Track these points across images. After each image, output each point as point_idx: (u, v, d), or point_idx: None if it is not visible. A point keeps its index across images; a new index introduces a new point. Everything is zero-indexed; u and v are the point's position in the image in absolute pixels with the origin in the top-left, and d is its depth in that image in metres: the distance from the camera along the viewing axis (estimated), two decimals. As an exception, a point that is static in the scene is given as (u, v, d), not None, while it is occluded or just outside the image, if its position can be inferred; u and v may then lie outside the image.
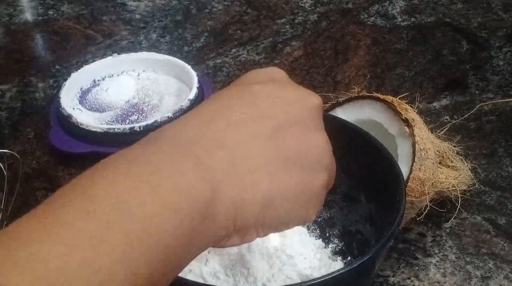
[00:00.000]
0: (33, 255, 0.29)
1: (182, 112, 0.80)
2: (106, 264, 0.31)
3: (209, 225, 0.36)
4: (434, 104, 0.91)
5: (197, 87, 0.86)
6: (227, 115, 0.39)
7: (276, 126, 0.39)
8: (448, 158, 0.74)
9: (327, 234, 0.68)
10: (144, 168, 0.35)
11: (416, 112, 0.72)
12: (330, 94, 0.81)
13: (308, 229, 0.69)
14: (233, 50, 1.02)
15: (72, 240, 0.31)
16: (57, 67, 1.00)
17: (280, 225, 0.41)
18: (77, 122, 0.81)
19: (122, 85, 0.90)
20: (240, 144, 0.38)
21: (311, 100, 0.42)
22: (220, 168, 0.36)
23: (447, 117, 0.89)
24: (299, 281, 0.59)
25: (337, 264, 0.64)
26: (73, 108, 0.85)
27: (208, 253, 0.62)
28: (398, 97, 0.74)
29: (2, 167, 0.72)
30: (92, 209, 0.32)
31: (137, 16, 1.11)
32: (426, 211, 0.70)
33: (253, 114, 0.39)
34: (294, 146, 0.40)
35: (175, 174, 0.35)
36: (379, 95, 0.73)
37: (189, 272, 0.61)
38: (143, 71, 0.92)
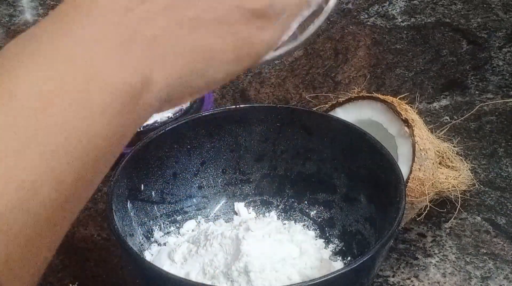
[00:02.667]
0: None
1: (182, 113, 0.80)
2: (29, 179, 0.29)
3: (141, 112, 0.34)
4: (434, 104, 0.91)
5: (197, 88, 0.86)
6: None
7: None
8: (448, 158, 0.74)
9: (327, 234, 0.68)
10: (67, 60, 0.31)
11: (416, 113, 0.73)
12: (330, 94, 0.81)
13: (309, 229, 0.69)
14: (233, 50, 1.02)
15: None
16: (57, 67, 1.00)
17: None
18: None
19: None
20: (166, 17, 0.34)
21: None
22: (146, 52, 0.33)
23: (447, 118, 0.89)
24: (299, 281, 0.59)
25: (337, 264, 0.64)
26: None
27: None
28: (398, 98, 0.74)
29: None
30: (11, 122, 0.29)
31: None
32: (426, 211, 0.70)
33: None
34: (226, 2, 0.36)
35: (106, 65, 0.32)
36: (379, 96, 0.73)
37: (188, 272, 0.61)
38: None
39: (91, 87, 0.31)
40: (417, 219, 0.71)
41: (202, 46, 0.36)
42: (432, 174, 0.68)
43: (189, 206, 0.70)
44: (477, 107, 0.90)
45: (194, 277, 0.61)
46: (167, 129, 0.67)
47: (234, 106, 0.72)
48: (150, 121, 0.80)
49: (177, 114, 0.80)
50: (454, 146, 0.76)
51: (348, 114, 0.74)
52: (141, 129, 0.79)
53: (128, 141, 0.35)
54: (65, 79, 0.31)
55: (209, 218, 0.71)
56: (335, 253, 0.67)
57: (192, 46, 0.35)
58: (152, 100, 0.34)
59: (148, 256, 0.64)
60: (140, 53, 0.33)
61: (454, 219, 0.74)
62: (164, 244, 0.67)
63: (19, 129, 0.30)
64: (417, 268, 0.68)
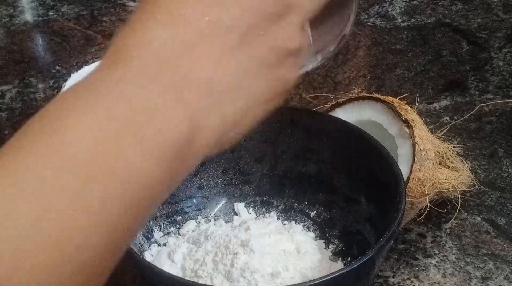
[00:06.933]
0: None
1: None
2: (83, 224, 0.29)
3: (190, 161, 0.34)
4: (434, 104, 0.91)
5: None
6: (195, 21, 0.34)
7: (243, 31, 0.36)
8: (448, 158, 0.74)
9: (327, 235, 0.68)
10: (122, 107, 0.31)
11: (416, 113, 0.73)
12: (330, 95, 0.81)
13: (309, 229, 0.69)
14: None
15: (46, 199, 0.28)
16: (57, 67, 1.00)
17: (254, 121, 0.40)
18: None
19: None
20: (216, 62, 0.35)
21: None
22: (200, 98, 0.34)
23: (447, 118, 0.89)
24: (299, 281, 0.59)
25: (337, 265, 0.64)
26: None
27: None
28: (398, 98, 0.74)
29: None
30: (67, 165, 0.29)
31: (137, 17, 1.11)
32: (426, 212, 0.70)
33: (222, 18, 0.35)
34: (264, 45, 0.37)
35: (157, 114, 0.32)
36: (379, 96, 0.73)
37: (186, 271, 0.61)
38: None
39: (145, 134, 0.31)
40: (417, 220, 0.71)
41: (250, 89, 0.37)
42: (432, 175, 0.68)
43: (189, 207, 0.70)
44: (477, 107, 0.90)
45: (194, 277, 0.61)
46: (167, 129, 0.67)
47: (234, 107, 0.72)
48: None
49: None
50: (454, 147, 0.76)
51: (348, 114, 0.74)
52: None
53: (177, 186, 0.35)
54: (118, 127, 0.31)
55: (209, 218, 0.71)
56: (335, 254, 0.66)
57: (241, 90, 0.36)
58: (203, 146, 0.34)
59: (148, 256, 0.64)
60: (193, 99, 0.33)
61: (454, 219, 0.74)
62: (164, 244, 0.67)
63: (74, 174, 0.29)
64: (417, 268, 0.68)
